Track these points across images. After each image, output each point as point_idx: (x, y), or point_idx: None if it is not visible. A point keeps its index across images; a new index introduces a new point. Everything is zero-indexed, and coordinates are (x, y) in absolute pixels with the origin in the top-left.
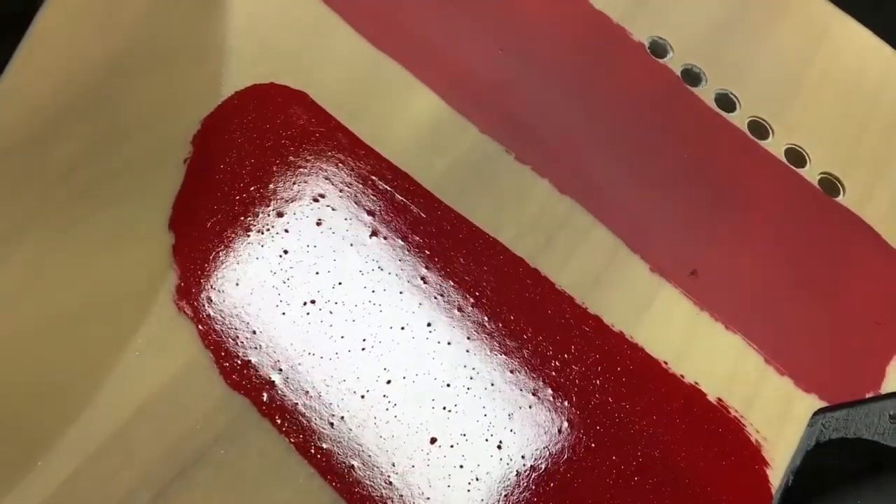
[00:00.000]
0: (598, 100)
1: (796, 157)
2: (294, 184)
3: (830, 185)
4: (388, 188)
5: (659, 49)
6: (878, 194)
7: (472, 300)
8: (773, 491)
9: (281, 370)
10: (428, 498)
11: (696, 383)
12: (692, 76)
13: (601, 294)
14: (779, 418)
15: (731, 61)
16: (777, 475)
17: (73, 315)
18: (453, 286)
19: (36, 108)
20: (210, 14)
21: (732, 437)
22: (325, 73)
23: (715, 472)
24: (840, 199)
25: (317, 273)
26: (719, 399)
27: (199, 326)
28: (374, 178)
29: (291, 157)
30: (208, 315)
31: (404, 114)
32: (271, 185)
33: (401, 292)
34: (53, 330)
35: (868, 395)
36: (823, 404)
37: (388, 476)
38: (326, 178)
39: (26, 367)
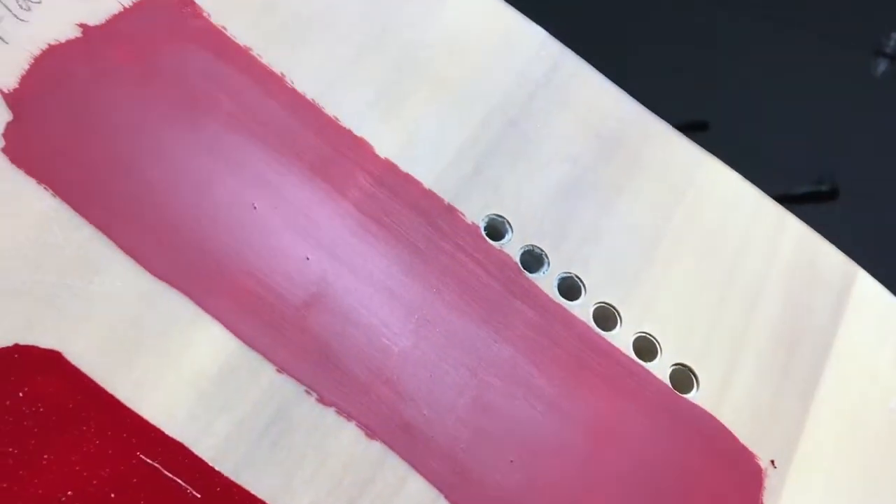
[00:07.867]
0: (429, 307)
1: (646, 348)
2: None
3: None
4: (154, 463)
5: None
6: (733, 387)
7: None
8: None
9: None
10: None
11: None
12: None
13: None
14: None
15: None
16: None
17: None
18: None
19: None
20: None
21: None
22: (82, 319)
23: None
24: (692, 395)
25: None
26: None
27: None
28: (139, 454)
29: (34, 442)
30: None
31: (182, 358)
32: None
33: None
34: None
35: None
36: None
37: None
38: (76, 469)
39: None
